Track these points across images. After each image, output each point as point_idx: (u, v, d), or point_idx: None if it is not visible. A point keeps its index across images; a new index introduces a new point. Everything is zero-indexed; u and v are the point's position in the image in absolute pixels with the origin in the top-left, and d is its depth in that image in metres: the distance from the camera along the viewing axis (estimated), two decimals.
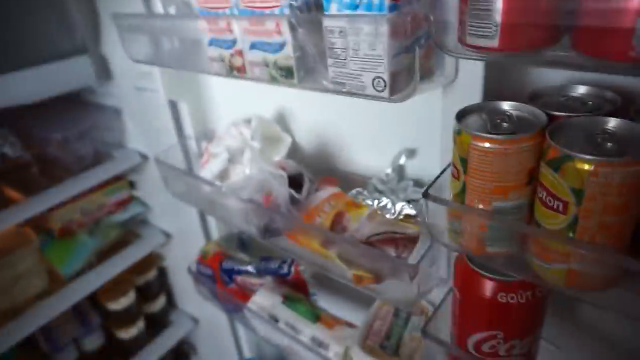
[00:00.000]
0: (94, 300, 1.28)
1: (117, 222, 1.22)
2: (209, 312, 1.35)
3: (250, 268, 0.95)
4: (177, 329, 1.40)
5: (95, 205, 1.17)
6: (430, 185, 0.46)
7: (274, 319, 0.86)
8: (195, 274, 1.02)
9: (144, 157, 1.15)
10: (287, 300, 0.88)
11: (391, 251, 0.62)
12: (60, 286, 1.12)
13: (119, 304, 1.25)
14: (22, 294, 1.09)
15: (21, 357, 1.17)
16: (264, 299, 0.89)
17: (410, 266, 0.53)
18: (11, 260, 1.06)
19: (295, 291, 0.92)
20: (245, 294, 0.95)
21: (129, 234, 1.26)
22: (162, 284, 1.40)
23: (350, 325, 0.83)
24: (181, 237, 1.26)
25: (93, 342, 1.29)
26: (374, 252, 0.61)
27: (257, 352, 1.35)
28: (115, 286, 1.24)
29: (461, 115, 0.45)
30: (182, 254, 1.29)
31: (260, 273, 0.94)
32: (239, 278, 0.97)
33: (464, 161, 0.42)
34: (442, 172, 0.47)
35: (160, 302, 1.39)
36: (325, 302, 0.94)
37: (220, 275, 0.98)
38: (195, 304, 1.41)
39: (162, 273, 1.41)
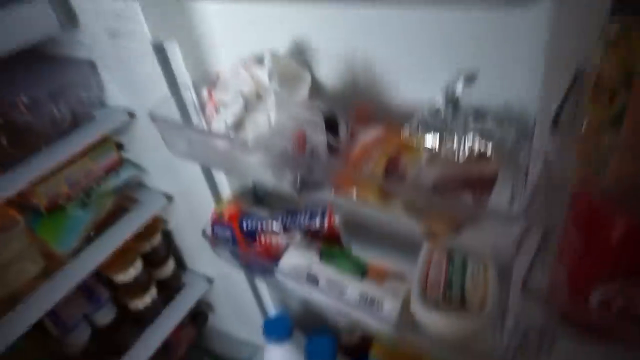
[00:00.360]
0: (99, 274, 1.18)
1: (109, 189, 1.09)
2: (224, 270, 1.27)
3: (275, 225, 0.85)
4: (191, 291, 1.33)
5: (82, 173, 1.03)
6: (558, 115, 0.35)
7: (313, 280, 0.78)
8: (211, 238, 0.93)
9: (131, 115, 1.00)
10: (325, 256, 0.80)
11: (466, 196, 0.53)
12: (59, 266, 1.01)
13: (127, 274, 1.15)
14: (17, 280, 0.97)
15: (31, 345, 1.09)
16: (297, 258, 0.81)
17: (515, 216, 0.44)
18: None
19: (330, 245, 0.84)
20: (272, 253, 0.87)
21: (125, 200, 1.14)
22: (169, 248, 1.31)
23: (401, 276, 0.75)
24: (184, 197, 1.14)
25: (105, 316, 1.20)
26: (450, 199, 0.52)
27: (282, 305, 1.30)
28: (120, 257, 1.14)
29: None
30: (188, 215, 1.18)
31: (287, 229, 0.85)
32: (262, 237, 0.87)
33: (631, 76, 0.31)
34: (566, 98, 0.37)
35: (169, 267, 1.30)
36: (361, 253, 0.86)
37: (242, 236, 0.89)
38: (207, 263, 1.33)
39: (167, 236, 1.31)
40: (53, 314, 1.10)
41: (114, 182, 1.09)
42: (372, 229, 0.88)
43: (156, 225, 1.22)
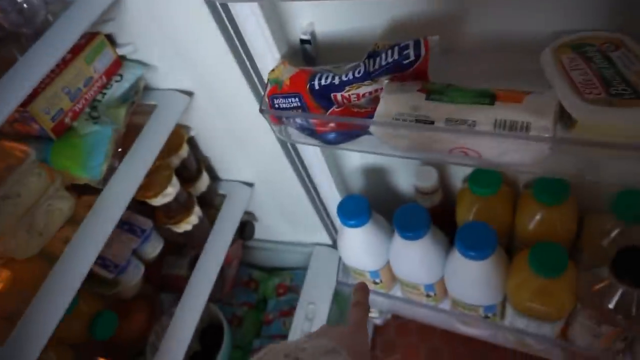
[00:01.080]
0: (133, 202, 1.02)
1: (116, 97, 0.88)
2: (262, 169, 1.12)
3: (355, 74, 0.68)
4: (234, 202, 1.19)
5: (81, 80, 0.82)
6: None
7: (426, 121, 0.63)
8: (272, 113, 0.75)
9: None
10: (433, 93, 0.64)
11: None
12: (91, 202, 0.83)
13: (167, 195, 0.99)
14: (50, 226, 0.80)
15: (87, 296, 0.94)
16: (396, 103, 0.65)
17: None
18: (9, 191, 0.74)
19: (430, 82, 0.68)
20: (354, 112, 0.71)
21: (140, 108, 0.93)
22: (199, 159, 1.13)
23: (536, 93, 0.60)
24: (207, 90, 0.94)
25: (154, 248, 1.06)
26: None
27: (344, 191, 1.16)
28: (154, 177, 0.96)
29: None
30: (214, 112, 0.99)
31: (369, 76, 0.68)
32: (339, 95, 0.70)
33: None
34: None
35: (204, 180, 1.14)
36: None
37: (313, 100, 0.71)
38: (242, 167, 1.17)
39: (192, 146, 1.12)
40: (100, 258, 0.94)
41: (119, 88, 0.88)
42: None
43: (180, 133, 1.03)
